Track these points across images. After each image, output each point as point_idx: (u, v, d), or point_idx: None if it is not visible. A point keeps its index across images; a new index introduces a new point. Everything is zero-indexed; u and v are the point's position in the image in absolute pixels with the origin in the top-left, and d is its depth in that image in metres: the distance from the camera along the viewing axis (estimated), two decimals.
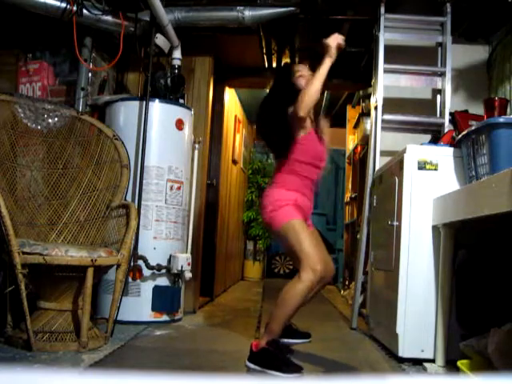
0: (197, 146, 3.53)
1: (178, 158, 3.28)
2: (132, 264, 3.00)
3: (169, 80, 3.37)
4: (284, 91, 2.34)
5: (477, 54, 3.52)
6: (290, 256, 2.32)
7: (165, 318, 3.15)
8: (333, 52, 2.18)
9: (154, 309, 3.10)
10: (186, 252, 3.36)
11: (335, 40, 2.19)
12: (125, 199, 2.75)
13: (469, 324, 2.24)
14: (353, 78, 4.48)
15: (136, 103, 3.24)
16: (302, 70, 2.35)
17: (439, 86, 3.34)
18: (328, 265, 2.38)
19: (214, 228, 4.56)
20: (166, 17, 3.21)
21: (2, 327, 2.41)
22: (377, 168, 3.16)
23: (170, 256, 3.18)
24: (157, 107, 3.24)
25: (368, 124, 3.96)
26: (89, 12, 3.15)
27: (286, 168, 2.28)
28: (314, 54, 2.36)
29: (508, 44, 3.20)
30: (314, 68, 2.26)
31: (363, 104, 4.74)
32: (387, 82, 3.28)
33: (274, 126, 2.29)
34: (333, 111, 6.16)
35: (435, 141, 3.02)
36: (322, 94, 5.40)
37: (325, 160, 2.38)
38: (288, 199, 2.22)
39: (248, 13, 3.33)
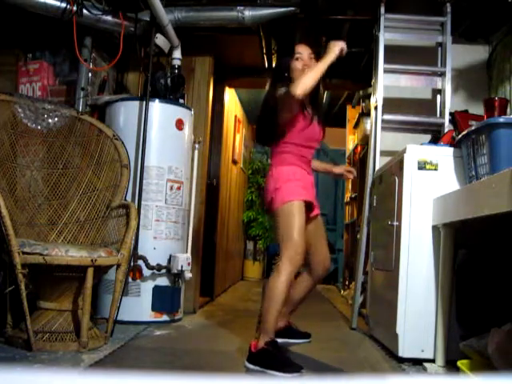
0: (197, 145, 3.52)
1: (177, 158, 3.28)
2: (132, 264, 3.00)
3: (169, 80, 3.37)
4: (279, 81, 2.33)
5: (477, 54, 3.52)
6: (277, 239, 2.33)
7: (165, 318, 3.15)
8: (334, 54, 2.19)
9: (154, 309, 3.10)
10: (186, 252, 3.36)
11: (340, 45, 2.21)
12: (125, 199, 2.75)
13: (469, 324, 2.24)
14: (353, 78, 4.48)
15: (136, 103, 3.24)
16: (303, 53, 2.35)
17: (439, 86, 3.34)
18: (325, 260, 2.38)
19: (214, 228, 4.56)
20: (165, 17, 3.21)
21: (2, 327, 2.41)
22: (377, 168, 3.16)
23: (170, 256, 3.18)
24: (157, 107, 3.24)
25: (368, 124, 3.96)
26: (89, 12, 3.15)
27: (279, 149, 2.30)
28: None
29: (508, 44, 3.20)
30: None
31: (363, 104, 4.74)
32: (387, 82, 3.28)
33: (267, 115, 2.31)
34: (333, 111, 6.16)
35: (435, 141, 3.02)
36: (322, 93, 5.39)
37: (318, 141, 2.40)
38: (287, 174, 2.24)
39: (248, 13, 3.33)
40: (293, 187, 2.22)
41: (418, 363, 2.33)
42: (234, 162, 5.60)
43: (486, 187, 1.76)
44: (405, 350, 2.36)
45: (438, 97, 3.38)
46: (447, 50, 3.25)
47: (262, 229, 6.89)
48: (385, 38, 3.28)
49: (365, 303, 3.26)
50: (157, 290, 3.12)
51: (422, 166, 2.44)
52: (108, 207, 2.73)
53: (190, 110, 3.44)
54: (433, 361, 2.30)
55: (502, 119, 2.09)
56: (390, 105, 3.32)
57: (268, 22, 3.48)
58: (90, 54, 3.37)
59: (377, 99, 3.24)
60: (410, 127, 3.35)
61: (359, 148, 5.15)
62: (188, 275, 3.21)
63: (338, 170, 2.66)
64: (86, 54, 3.34)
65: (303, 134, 2.28)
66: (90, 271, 2.28)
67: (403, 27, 3.38)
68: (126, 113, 3.26)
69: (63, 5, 3.05)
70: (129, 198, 2.98)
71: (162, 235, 3.18)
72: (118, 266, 2.44)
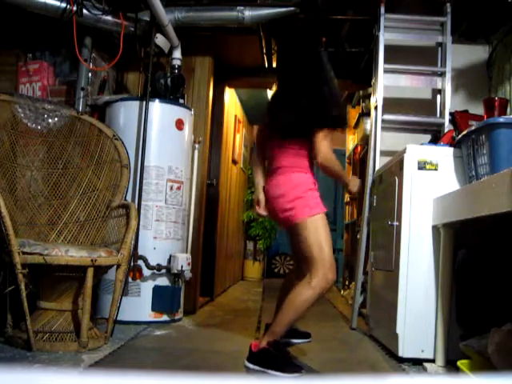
0: (197, 145, 3.53)
1: (177, 158, 3.28)
2: (132, 264, 3.00)
3: (169, 80, 3.37)
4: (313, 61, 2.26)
5: (477, 53, 3.52)
6: (297, 253, 2.24)
7: (165, 318, 3.15)
8: (347, 183, 2.34)
9: (153, 309, 3.10)
10: (186, 252, 3.36)
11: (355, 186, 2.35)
12: (125, 199, 2.75)
13: (469, 324, 2.24)
14: (353, 78, 4.48)
15: (136, 103, 3.24)
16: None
17: (439, 86, 3.34)
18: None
19: (214, 228, 4.56)
20: (165, 17, 3.21)
21: (2, 327, 2.41)
22: (377, 168, 3.16)
23: (170, 256, 3.17)
24: (157, 107, 3.24)
25: (368, 124, 3.96)
26: (89, 12, 3.15)
27: (293, 150, 2.17)
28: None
29: (508, 44, 3.20)
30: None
31: (363, 104, 4.74)
32: (387, 82, 3.28)
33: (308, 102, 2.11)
34: None
35: (435, 141, 3.02)
36: None
37: None
38: (308, 182, 2.14)
39: (248, 13, 3.33)
40: (315, 197, 2.13)
41: (418, 363, 2.33)
42: (234, 161, 5.60)
43: (486, 187, 1.76)
44: (405, 350, 2.36)
45: (438, 97, 3.39)
46: (447, 50, 3.25)
47: (261, 229, 6.89)
48: (385, 37, 3.28)
49: (365, 303, 3.25)
50: (157, 289, 3.12)
51: (422, 166, 2.44)
52: (108, 207, 2.73)
53: (190, 110, 3.44)
54: (433, 361, 2.30)
55: (501, 119, 2.09)
56: (390, 105, 3.32)
57: (268, 21, 3.48)
58: (90, 53, 3.37)
59: (377, 99, 3.24)
60: (410, 127, 3.35)
61: (359, 148, 5.15)
62: (188, 275, 3.20)
63: None
64: (86, 54, 3.33)
65: None
66: (90, 271, 2.28)
67: (403, 27, 3.38)
68: (125, 113, 3.26)
69: (63, 5, 3.05)
70: (129, 198, 2.98)
71: (162, 235, 3.18)
72: (118, 265, 2.44)
